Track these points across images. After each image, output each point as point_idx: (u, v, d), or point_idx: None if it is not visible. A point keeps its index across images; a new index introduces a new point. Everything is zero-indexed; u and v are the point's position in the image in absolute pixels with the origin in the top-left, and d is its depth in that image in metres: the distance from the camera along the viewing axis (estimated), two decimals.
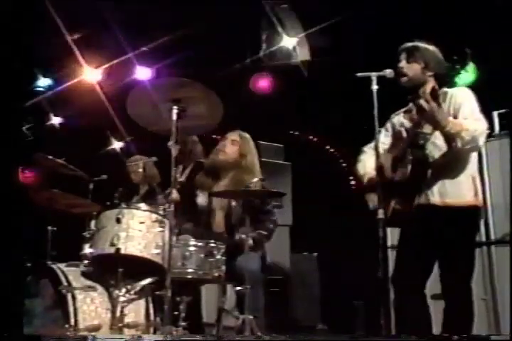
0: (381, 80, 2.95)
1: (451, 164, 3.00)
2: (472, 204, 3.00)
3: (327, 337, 4.52)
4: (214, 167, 3.93)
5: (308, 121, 6.51)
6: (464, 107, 2.91)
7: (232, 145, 3.93)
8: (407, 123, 3.14)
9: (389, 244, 4.28)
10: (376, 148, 2.93)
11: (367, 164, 3.20)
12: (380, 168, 2.90)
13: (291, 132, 6.98)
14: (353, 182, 6.44)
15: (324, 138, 7.04)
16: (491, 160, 4.35)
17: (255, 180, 3.59)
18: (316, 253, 5.89)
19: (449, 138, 2.87)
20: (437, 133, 2.95)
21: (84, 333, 3.04)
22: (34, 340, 2.56)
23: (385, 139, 3.20)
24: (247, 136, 4.01)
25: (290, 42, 5.88)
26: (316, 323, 5.52)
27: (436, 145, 2.98)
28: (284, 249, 5.58)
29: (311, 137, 7.15)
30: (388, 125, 3.29)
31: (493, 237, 4.27)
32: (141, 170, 4.97)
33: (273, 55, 6.06)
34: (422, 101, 2.83)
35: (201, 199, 3.92)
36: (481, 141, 2.92)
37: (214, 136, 4.08)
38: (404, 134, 3.05)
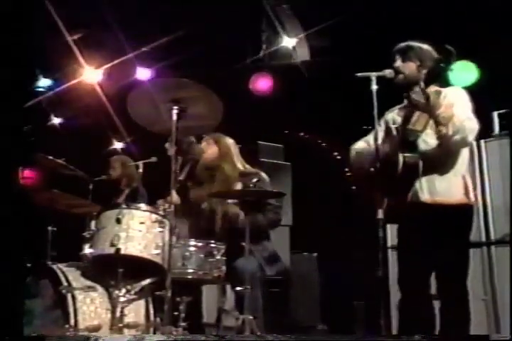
0: (381, 80, 2.96)
1: (441, 162, 3.01)
2: (462, 202, 3.00)
3: (327, 337, 4.51)
4: (203, 170, 3.93)
5: (308, 121, 6.51)
6: (456, 106, 2.91)
7: (209, 145, 3.95)
8: (400, 120, 3.16)
9: (389, 244, 4.28)
10: (376, 149, 2.94)
11: (355, 146, 3.30)
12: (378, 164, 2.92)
13: (291, 132, 6.98)
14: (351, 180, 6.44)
15: (324, 138, 7.04)
16: (491, 160, 4.36)
17: (255, 180, 3.59)
18: (316, 253, 5.88)
19: (440, 126, 2.87)
20: (428, 131, 2.97)
21: (85, 333, 3.04)
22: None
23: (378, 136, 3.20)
24: (222, 136, 4.02)
25: (290, 42, 5.89)
26: (316, 323, 5.51)
27: (427, 143, 2.99)
28: (284, 249, 5.58)
29: (311, 137, 7.15)
30: (382, 122, 3.30)
31: (493, 237, 4.27)
32: (118, 166, 5.09)
33: (273, 55, 6.07)
34: (417, 90, 2.86)
35: (204, 204, 3.92)
36: (470, 136, 2.93)
37: None
38: (394, 131, 3.07)
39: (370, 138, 3.14)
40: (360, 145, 3.32)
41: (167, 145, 3.70)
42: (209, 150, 3.94)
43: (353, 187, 3.33)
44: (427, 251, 2.99)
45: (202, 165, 3.93)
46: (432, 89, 2.94)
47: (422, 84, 2.87)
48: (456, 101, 2.93)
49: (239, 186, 3.70)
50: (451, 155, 3.01)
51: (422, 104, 2.86)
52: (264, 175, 3.87)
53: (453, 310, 2.92)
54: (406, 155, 2.94)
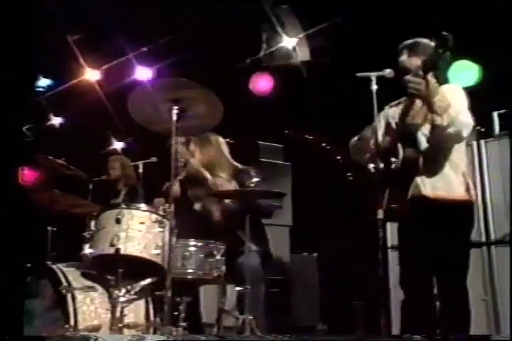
0: (381, 80, 2.95)
1: (440, 158, 2.99)
2: (464, 198, 2.99)
3: (327, 337, 4.51)
4: (195, 175, 3.92)
5: (308, 121, 6.51)
6: (452, 99, 2.90)
7: (197, 147, 3.93)
8: (399, 115, 3.15)
9: (389, 244, 4.28)
10: (377, 146, 2.93)
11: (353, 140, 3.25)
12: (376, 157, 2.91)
13: (291, 132, 6.98)
14: (351, 178, 6.46)
15: (324, 139, 7.04)
16: (491, 160, 4.36)
17: (256, 180, 3.59)
18: (316, 254, 5.89)
19: (436, 115, 2.84)
20: (427, 126, 2.96)
21: (85, 333, 3.04)
22: None
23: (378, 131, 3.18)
24: (210, 136, 3.97)
25: (290, 42, 5.89)
26: (316, 323, 5.52)
27: (426, 137, 2.98)
28: (284, 249, 5.58)
29: (310, 137, 7.15)
30: (381, 117, 3.29)
31: (493, 237, 4.27)
32: (118, 166, 5.11)
33: (273, 55, 6.07)
34: (411, 77, 2.84)
35: (196, 205, 3.92)
36: (465, 131, 2.90)
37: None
38: (394, 126, 3.07)
39: (368, 132, 3.11)
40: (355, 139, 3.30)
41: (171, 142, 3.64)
42: (198, 154, 3.92)
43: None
44: (428, 249, 2.98)
45: (194, 169, 3.91)
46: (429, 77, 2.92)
47: (421, 71, 2.85)
48: (452, 96, 2.93)
49: (233, 184, 3.69)
50: (446, 149, 2.99)
51: (421, 92, 2.83)
52: (253, 172, 3.83)
53: (452, 309, 2.91)
54: (406, 149, 2.93)
